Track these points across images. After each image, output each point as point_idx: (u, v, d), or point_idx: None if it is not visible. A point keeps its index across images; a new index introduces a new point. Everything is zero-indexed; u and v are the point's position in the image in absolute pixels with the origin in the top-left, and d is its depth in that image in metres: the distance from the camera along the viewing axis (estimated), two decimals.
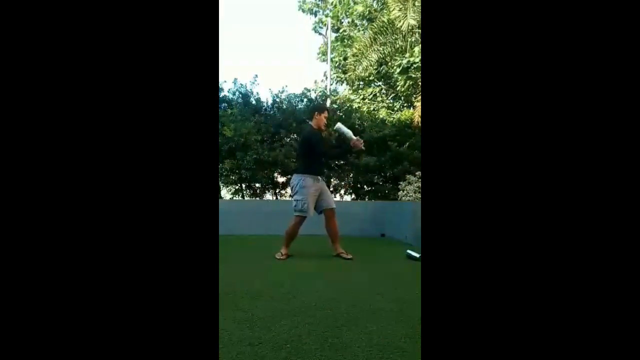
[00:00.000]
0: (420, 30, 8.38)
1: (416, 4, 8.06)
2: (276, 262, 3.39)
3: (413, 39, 8.57)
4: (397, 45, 8.69)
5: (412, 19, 8.06)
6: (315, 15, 16.18)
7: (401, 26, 8.26)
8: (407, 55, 8.88)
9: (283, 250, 3.66)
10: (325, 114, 3.81)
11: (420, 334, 1.23)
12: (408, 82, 10.16)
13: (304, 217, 3.61)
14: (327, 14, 15.52)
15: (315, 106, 4.86)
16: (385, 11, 9.59)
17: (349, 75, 10.17)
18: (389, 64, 10.02)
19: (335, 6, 14.96)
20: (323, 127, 3.79)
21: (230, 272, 2.77)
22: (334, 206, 3.70)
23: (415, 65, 8.77)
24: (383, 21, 8.74)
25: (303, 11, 16.33)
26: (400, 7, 8.29)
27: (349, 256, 3.63)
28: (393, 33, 8.54)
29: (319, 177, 3.68)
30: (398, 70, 9.46)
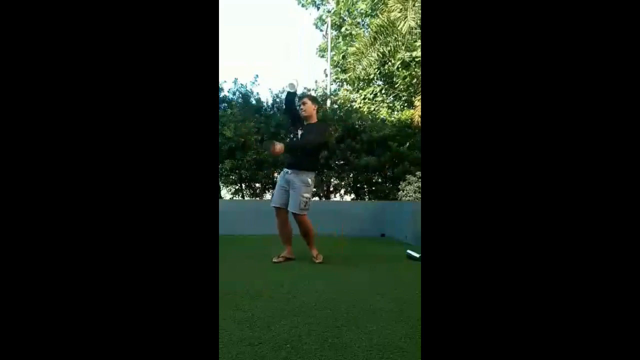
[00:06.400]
0: (420, 32, 8.38)
1: (416, 4, 8.04)
2: (276, 262, 3.39)
3: (412, 39, 8.56)
4: (397, 44, 8.68)
5: (412, 20, 8.06)
6: (318, 9, 15.99)
7: (402, 28, 8.25)
8: (404, 51, 8.85)
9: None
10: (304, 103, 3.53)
11: (420, 334, 1.23)
12: (407, 78, 10.14)
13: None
14: (329, 11, 15.44)
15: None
16: (384, 10, 9.56)
17: (350, 75, 10.16)
18: (391, 62, 10.00)
19: (338, 3, 14.89)
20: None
21: (230, 272, 2.76)
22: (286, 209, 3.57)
23: (417, 60, 8.72)
24: (383, 20, 8.73)
25: (303, 5, 16.16)
26: (401, 7, 8.28)
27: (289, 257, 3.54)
28: (393, 33, 8.53)
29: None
30: (399, 64, 9.41)
